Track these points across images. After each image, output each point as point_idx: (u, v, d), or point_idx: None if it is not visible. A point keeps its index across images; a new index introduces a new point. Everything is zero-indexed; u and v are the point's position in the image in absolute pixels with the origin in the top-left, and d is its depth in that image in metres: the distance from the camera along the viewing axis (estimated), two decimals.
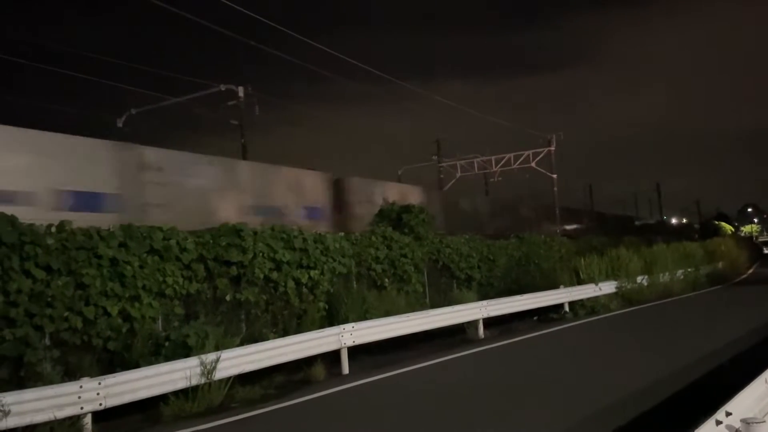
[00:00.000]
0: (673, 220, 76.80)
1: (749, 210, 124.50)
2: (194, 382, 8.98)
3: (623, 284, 21.34)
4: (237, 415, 8.66)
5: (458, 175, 39.68)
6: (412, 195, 21.89)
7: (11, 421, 7.22)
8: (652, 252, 25.33)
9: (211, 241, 11.62)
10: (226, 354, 9.53)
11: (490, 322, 15.65)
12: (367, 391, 9.88)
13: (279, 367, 10.63)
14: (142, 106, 25.92)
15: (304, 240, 13.22)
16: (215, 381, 9.22)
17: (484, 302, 15.69)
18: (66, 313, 9.06)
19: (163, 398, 8.81)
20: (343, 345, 11.47)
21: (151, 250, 10.47)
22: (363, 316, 13.24)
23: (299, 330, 12.26)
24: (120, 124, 25.77)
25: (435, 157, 41.17)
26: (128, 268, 9.97)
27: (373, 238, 16.00)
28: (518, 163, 37.51)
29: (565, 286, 19.29)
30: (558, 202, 36.32)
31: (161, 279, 10.45)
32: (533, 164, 37.10)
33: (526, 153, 37.16)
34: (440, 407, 8.40)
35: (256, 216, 14.96)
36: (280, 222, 13.75)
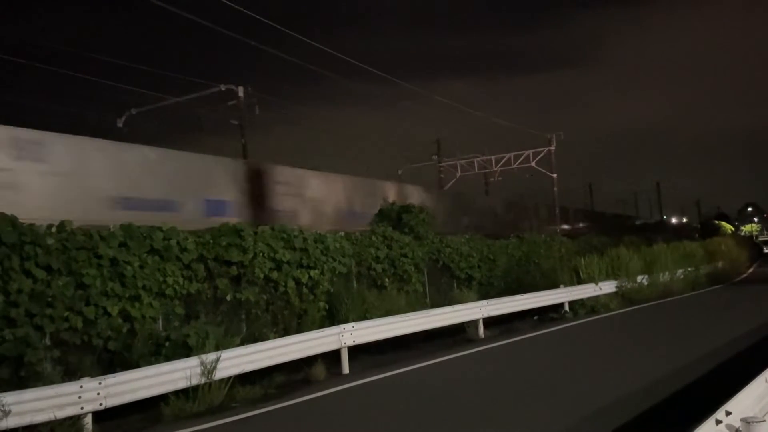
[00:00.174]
0: (673, 220, 76.77)
1: (749, 209, 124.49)
2: (194, 381, 8.99)
3: (623, 284, 21.37)
4: (237, 414, 8.67)
5: (458, 174, 39.70)
6: (360, 187, 20.28)
7: (11, 421, 7.23)
8: (652, 251, 25.34)
9: (212, 241, 11.62)
10: (226, 354, 9.54)
11: (490, 322, 15.65)
12: (367, 390, 9.88)
13: (279, 366, 10.63)
14: (142, 106, 25.92)
15: (305, 240, 13.23)
16: (215, 381, 9.23)
17: (485, 302, 15.70)
18: (66, 313, 9.06)
19: (163, 398, 8.82)
20: (343, 345, 11.48)
21: (151, 250, 10.48)
22: (363, 315, 13.25)
23: (299, 330, 12.27)
24: (120, 124, 25.76)
25: (435, 157, 41.16)
26: (128, 268, 9.98)
27: (374, 238, 16.01)
28: (518, 162, 37.49)
29: (565, 285, 19.30)
30: (558, 201, 36.33)
31: (161, 279, 10.45)
32: (533, 164, 37.09)
33: (526, 153, 37.14)
34: (440, 407, 8.40)
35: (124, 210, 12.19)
36: (159, 217, 11.66)
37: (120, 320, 9.75)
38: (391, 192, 21.03)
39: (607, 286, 20.57)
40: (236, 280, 11.91)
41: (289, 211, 16.27)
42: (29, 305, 8.68)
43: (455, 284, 18.97)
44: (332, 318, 13.30)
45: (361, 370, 11.31)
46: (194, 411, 8.81)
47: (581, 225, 38.57)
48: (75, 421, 7.80)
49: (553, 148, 36.55)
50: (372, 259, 15.62)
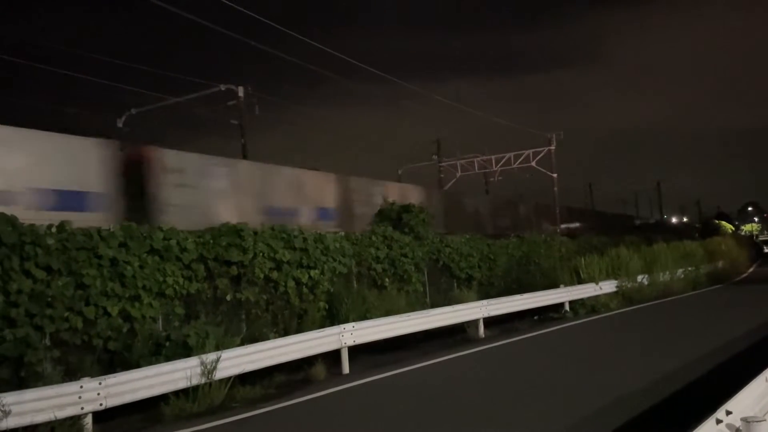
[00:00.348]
0: (674, 219, 76.78)
1: (749, 209, 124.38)
2: (195, 381, 8.99)
3: (623, 283, 21.36)
4: (237, 414, 8.67)
5: (458, 174, 39.71)
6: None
7: (12, 422, 7.23)
8: (653, 251, 25.34)
9: (212, 241, 11.62)
10: (226, 354, 9.54)
11: (490, 322, 15.65)
12: (367, 390, 9.88)
13: (279, 366, 10.63)
14: (142, 106, 25.92)
15: (305, 240, 13.23)
16: (216, 381, 9.23)
17: (485, 302, 15.70)
18: (66, 314, 9.06)
19: (163, 398, 8.82)
20: (343, 344, 11.48)
21: (151, 250, 10.48)
22: (363, 315, 13.24)
23: (300, 330, 12.27)
24: (120, 124, 25.77)
25: (435, 157, 41.17)
26: (128, 268, 9.97)
27: (374, 238, 16.01)
28: (518, 162, 37.50)
29: (566, 285, 19.31)
30: (558, 201, 36.32)
31: (161, 279, 10.45)
32: (533, 164, 37.09)
33: (527, 152, 37.15)
34: (441, 407, 8.40)
35: None
36: None
37: (120, 320, 9.75)
38: (342, 187, 18.23)
39: (608, 286, 20.57)
40: (236, 280, 11.91)
41: (187, 206, 13.09)
42: (29, 305, 8.68)
43: (455, 284, 18.98)
44: (332, 318, 13.31)
45: (362, 370, 11.30)
46: (194, 411, 8.81)
47: (581, 225, 38.54)
48: (75, 421, 7.80)
49: (553, 147, 36.55)
50: (372, 259, 15.62)
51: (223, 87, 25.06)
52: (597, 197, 61.93)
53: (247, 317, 12.01)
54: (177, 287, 10.69)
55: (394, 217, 18.22)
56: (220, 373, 9.32)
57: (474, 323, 15.03)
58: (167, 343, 9.78)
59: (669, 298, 22.03)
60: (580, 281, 20.35)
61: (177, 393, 8.88)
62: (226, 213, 13.43)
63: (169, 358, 9.38)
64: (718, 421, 4.36)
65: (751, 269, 40.92)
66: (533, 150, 37.04)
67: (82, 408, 7.83)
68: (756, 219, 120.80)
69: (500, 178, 39.35)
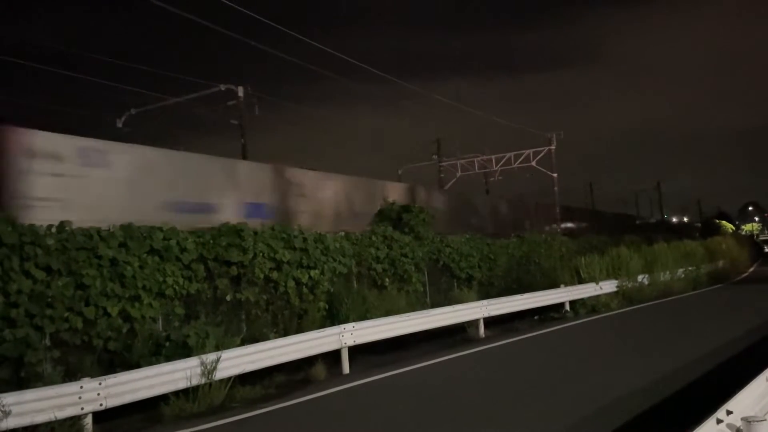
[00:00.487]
0: (674, 219, 76.72)
1: (750, 209, 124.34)
2: (195, 382, 8.99)
3: (624, 283, 21.35)
4: (238, 414, 8.67)
5: (458, 174, 39.69)
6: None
7: (12, 422, 7.23)
8: (653, 251, 25.34)
9: (212, 241, 11.62)
10: (226, 354, 9.54)
11: (490, 322, 15.64)
12: (367, 390, 9.87)
13: (279, 366, 10.63)
14: (142, 106, 25.91)
15: (305, 240, 13.23)
16: (216, 381, 9.23)
17: (485, 302, 15.69)
18: (66, 314, 9.07)
19: (163, 398, 8.82)
20: (343, 345, 11.47)
21: (151, 250, 10.48)
22: (363, 315, 13.24)
23: (300, 330, 12.27)
24: (120, 124, 25.76)
25: (435, 157, 41.15)
26: (128, 268, 9.98)
27: (374, 238, 16.01)
28: (518, 162, 37.46)
29: (566, 285, 19.30)
30: (559, 201, 36.30)
31: (161, 279, 10.45)
32: (534, 163, 37.06)
33: (527, 152, 37.11)
34: (441, 407, 8.40)
35: None
36: None
37: (120, 320, 9.75)
38: (280, 179, 16.08)
39: (608, 286, 20.56)
40: (236, 280, 11.92)
41: (65, 200, 10.66)
42: (29, 306, 8.68)
43: (455, 284, 18.97)
44: (332, 318, 13.30)
45: (362, 370, 11.30)
46: (195, 411, 8.81)
47: (582, 224, 38.52)
48: (75, 421, 7.80)
49: (553, 147, 36.51)
50: (372, 259, 15.62)
51: (223, 87, 25.05)
52: (597, 197, 61.79)
53: (247, 317, 12.01)
54: (177, 287, 10.69)
55: (394, 216, 18.22)
56: (220, 373, 9.32)
57: (474, 323, 15.02)
58: (167, 344, 9.78)
59: (669, 298, 22.02)
60: (581, 281, 20.34)
61: (177, 393, 8.88)
62: (119, 209, 11.17)
63: (169, 359, 9.38)
64: (719, 421, 4.36)
65: (751, 269, 40.91)
66: (533, 150, 37.01)
67: (82, 408, 7.83)
68: (756, 218, 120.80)
69: (500, 177, 39.36)
